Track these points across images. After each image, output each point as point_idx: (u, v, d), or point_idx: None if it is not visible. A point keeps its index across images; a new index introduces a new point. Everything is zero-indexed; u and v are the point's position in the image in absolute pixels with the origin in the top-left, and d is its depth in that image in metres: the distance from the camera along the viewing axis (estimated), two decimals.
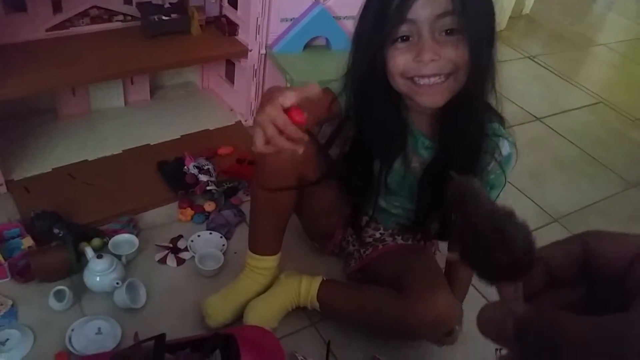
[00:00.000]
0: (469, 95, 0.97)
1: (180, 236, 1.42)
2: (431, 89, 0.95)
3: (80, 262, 1.26)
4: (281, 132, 0.78)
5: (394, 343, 1.24)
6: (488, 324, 0.28)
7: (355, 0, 0.99)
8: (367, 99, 1.05)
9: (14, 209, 1.40)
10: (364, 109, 1.06)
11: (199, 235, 1.43)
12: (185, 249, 1.39)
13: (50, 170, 1.54)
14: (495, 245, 0.31)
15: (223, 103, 1.96)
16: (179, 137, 1.75)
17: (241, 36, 1.74)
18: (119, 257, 1.29)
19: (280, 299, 1.22)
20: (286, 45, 1.72)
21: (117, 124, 1.76)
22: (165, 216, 1.48)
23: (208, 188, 1.52)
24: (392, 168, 1.12)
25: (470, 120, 1.02)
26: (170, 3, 1.70)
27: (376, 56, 0.96)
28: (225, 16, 1.78)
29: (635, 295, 0.26)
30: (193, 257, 1.36)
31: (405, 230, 1.26)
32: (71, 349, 1.12)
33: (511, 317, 0.27)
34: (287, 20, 1.71)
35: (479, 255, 0.32)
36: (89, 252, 1.25)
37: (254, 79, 1.76)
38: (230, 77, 1.89)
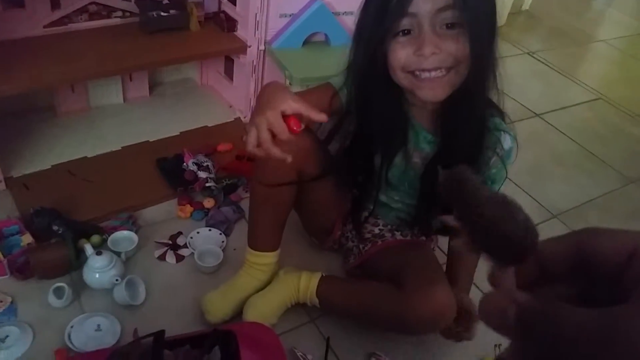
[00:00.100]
0: (470, 90, 0.98)
1: (180, 233, 1.42)
2: (432, 83, 0.95)
3: (80, 259, 1.26)
4: (274, 137, 0.80)
5: (394, 339, 1.24)
6: (490, 312, 0.28)
7: None
8: (368, 93, 1.05)
9: (13, 205, 1.40)
10: (365, 104, 1.06)
11: (198, 232, 1.43)
12: (185, 246, 1.39)
13: (49, 167, 1.54)
14: (502, 220, 0.32)
15: (222, 99, 1.96)
16: (178, 133, 1.75)
17: (240, 32, 1.74)
18: (118, 254, 1.29)
19: (279, 295, 1.22)
20: (285, 41, 1.71)
21: (116, 120, 1.76)
22: (164, 213, 1.48)
23: (207, 185, 1.52)
24: (393, 163, 1.12)
25: (472, 114, 1.02)
26: None
27: (377, 50, 0.97)
28: (224, 12, 1.78)
29: (632, 290, 0.26)
30: (192, 253, 1.36)
31: (406, 225, 1.26)
32: (70, 345, 1.12)
33: (513, 305, 0.27)
34: (286, 16, 1.71)
35: (487, 233, 0.32)
36: (88, 248, 1.25)
37: (253, 75, 1.75)
38: (229, 73, 1.89)
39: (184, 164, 1.57)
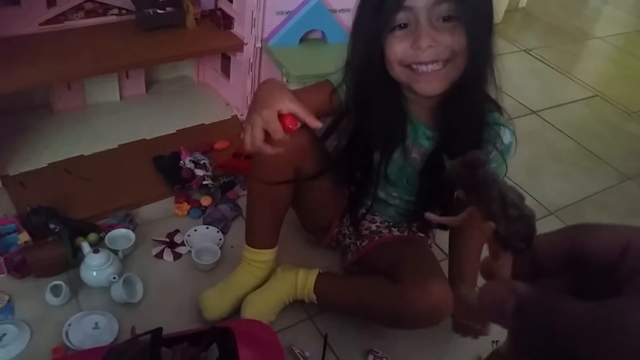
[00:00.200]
0: (468, 84, 0.98)
1: (177, 231, 1.42)
2: (429, 76, 0.96)
3: (77, 257, 1.25)
4: (268, 136, 0.81)
5: (391, 336, 1.24)
6: (489, 302, 0.29)
7: None
8: (366, 89, 1.05)
9: (10, 204, 1.39)
10: (364, 100, 1.07)
11: (195, 230, 1.43)
12: (182, 244, 1.39)
13: (46, 165, 1.53)
14: (522, 202, 0.33)
15: (219, 97, 1.95)
16: (175, 131, 1.75)
17: (237, 29, 1.73)
18: (115, 252, 1.29)
19: (277, 292, 1.22)
20: (282, 39, 1.71)
21: (112, 118, 1.75)
22: (161, 211, 1.48)
23: (204, 182, 1.51)
24: (392, 158, 1.12)
25: (470, 109, 1.03)
26: None
27: (374, 45, 0.97)
28: (220, 9, 1.77)
29: (625, 284, 0.26)
30: (190, 251, 1.36)
31: (404, 221, 1.26)
32: (68, 343, 1.12)
33: (513, 295, 0.27)
34: (282, 14, 1.71)
35: (509, 215, 0.33)
36: (86, 247, 1.25)
37: (250, 72, 1.75)
38: (226, 71, 1.89)
39: (181, 161, 1.56)
